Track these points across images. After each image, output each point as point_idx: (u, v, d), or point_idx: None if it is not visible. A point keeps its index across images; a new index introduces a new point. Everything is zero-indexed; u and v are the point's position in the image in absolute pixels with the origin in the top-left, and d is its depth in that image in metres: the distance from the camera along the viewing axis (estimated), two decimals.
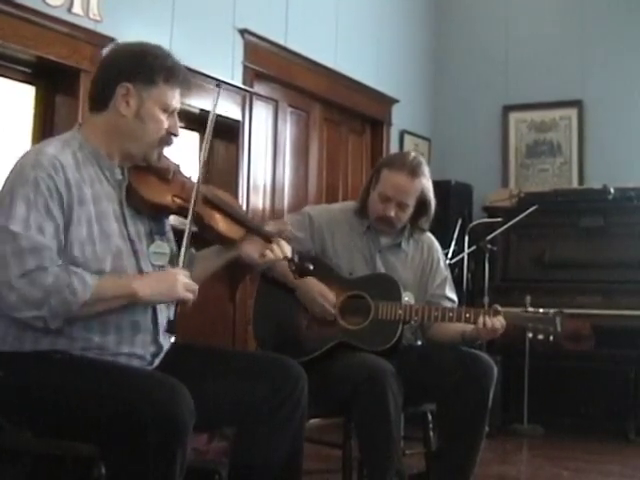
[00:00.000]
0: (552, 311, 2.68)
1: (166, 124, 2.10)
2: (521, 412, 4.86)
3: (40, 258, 1.88)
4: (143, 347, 2.06)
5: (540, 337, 2.65)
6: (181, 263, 2.03)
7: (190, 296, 2.00)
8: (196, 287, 2.02)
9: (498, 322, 2.65)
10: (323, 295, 2.77)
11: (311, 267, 2.39)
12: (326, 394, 2.60)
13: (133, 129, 2.07)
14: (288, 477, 2.17)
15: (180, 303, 2.01)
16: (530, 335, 2.66)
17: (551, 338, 2.65)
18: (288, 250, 2.29)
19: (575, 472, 3.94)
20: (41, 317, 1.87)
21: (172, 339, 2.17)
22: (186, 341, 2.27)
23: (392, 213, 2.85)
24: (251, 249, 2.26)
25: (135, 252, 2.08)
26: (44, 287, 1.86)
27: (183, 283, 1.98)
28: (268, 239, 2.25)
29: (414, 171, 2.84)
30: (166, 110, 2.09)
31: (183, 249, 2.05)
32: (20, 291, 1.85)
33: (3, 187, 1.99)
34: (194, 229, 2.12)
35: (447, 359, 2.74)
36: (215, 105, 2.20)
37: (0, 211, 1.93)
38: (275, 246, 2.24)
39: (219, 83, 2.27)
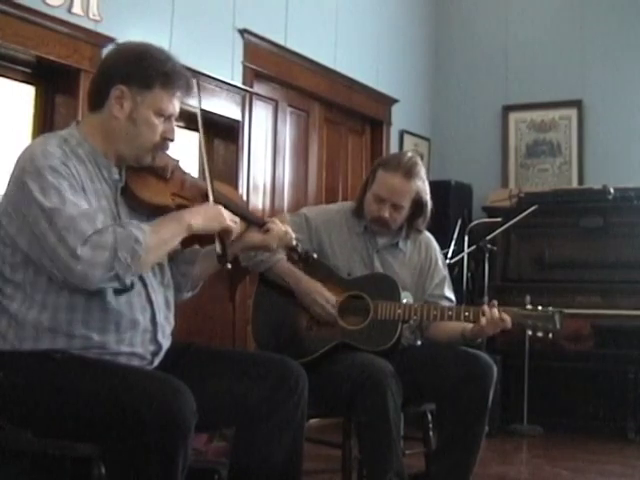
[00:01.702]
0: (551, 308, 2.69)
1: (161, 129, 2.07)
2: (521, 412, 4.86)
3: (92, 222, 1.88)
4: (143, 346, 2.05)
5: (539, 334, 2.65)
6: (211, 200, 2.11)
7: (235, 226, 2.11)
8: (237, 218, 2.14)
9: (504, 314, 2.66)
10: (323, 296, 2.77)
11: (315, 255, 2.40)
12: (326, 394, 2.60)
13: (125, 131, 2.05)
14: (288, 477, 2.17)
15: (224, 234, 2.09)
16: (530, 332, 2.67)
17: (550, 335, 2.65)
18: (291, 235, 2.33)
19: (575, 472, 3.94)
20: (115, 276, 1.86)
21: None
22: (186, 341, 2.27)
23: (386, 214, 2.85)
24: (256, 238, 2.28)
25: None
26: (108, 246, 1.85)
27: (226, 214, 2.09)
28: (264, 224, 2.29)
29: (409, 172, 2.83)
30: (161, 115, 2.07)
31: (210, 188, 2.12)
32: (87, 258, 1.84)
33: (15, 183, 1.95)
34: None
35: (447, 359, 2.74)
36: (199, 99, 2.22)
37: (26, 204, 1.89)
38: (273, 225, 2.29)
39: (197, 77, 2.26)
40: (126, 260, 1.86)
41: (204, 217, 2.05)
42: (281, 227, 2.30)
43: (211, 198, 2.12)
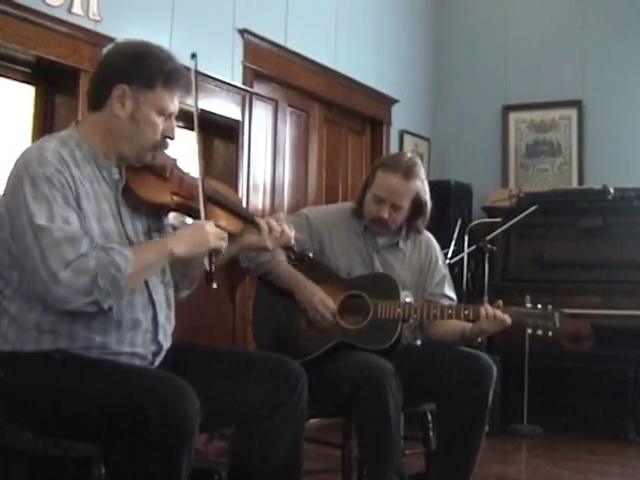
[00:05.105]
0: (550, 307, 2.71)
1: (162, 127, 2.07)
2: (520, 412, 4.85)
3: (77, 246, 1.88)
4: (144, 346, 2.05)
5: (539, 332, 2.67)
6: (203, 216, 2.07)
7: (223, 244, 2.06)
8: (224, 234, 2.08)
9: (504, 313, 2.66)
10: (323, 303, 2.76)
11: (310, 255, 2.39)
12: (326, 394, 2.60)
13: (127, 131, 2.05)
14: (288, 477, 2.17)
15: (214, 253, 2.05)
16: (530, 331, 2.68)
17: (550, 334, 2.67)
18: (289, 235, 2.30)
19: (575, 472, 3.93)
20: (93, 302, 1.88)
21: (170, 342, 2.15)
22: (186, 341, 2.27)
23: (386, 214, 2.85)
24: (253, 238, 2.25)
25: None
26: (89, 272, 1.86)
27: (212, 233, 2.03)
28: (260, 225, 2.25)
29: (408, 172, 2.83)
30: (162, 114, 2.07)
31: (201, 202, 2.08)
32: (68, 282, 1.85)
33: (9, 187, 1.96)
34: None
35: (447, 359, 2.74)
36: (196, 101, 2.18)
37: (16, 211, 1.91)
38: (269, 224, 2.25)
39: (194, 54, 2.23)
40: (106, 287, 1.88)
41: (188, 243, 2.01)
42: (277, 227, 2.27)
43: (202, 215, 2.09)
